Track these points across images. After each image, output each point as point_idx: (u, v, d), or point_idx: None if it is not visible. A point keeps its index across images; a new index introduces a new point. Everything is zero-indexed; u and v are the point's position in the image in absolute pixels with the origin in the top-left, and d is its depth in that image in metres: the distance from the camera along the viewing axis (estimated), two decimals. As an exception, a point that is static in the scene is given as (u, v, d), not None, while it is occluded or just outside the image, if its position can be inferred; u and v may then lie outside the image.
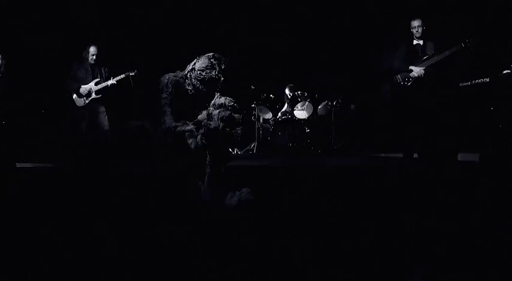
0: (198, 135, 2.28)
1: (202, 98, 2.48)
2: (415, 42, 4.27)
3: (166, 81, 2.48)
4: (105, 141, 4.83)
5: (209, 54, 2.51)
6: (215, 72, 2.46)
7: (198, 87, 2.48)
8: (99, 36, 5.21)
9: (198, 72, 2.46)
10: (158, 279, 1.45)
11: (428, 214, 2.34)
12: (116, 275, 1.49)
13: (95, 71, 4.85)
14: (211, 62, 2.47)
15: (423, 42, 4.24)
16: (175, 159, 2.41)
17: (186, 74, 2.52)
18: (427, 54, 4.16)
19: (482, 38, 4.06)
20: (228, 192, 2.30)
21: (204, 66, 2.46)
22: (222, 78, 2.50)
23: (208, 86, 2.47)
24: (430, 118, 4.15)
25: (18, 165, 4.32)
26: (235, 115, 2.30)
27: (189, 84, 2.50)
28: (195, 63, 2.50)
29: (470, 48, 3.98)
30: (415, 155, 4.30)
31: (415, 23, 4.24)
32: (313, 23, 6.66)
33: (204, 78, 2.45)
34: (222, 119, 2.24)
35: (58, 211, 2.55)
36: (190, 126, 2.35)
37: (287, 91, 6.47)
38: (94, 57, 4.78)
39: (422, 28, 4.21)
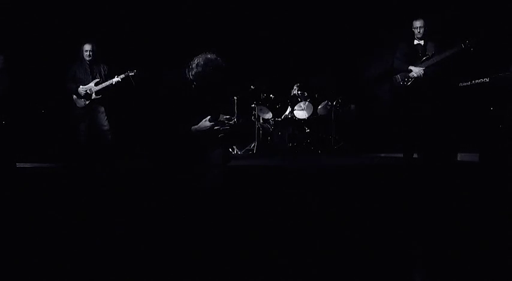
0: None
1: (202, 97, 2.47)
2: (415, 42, 4.27)
3: (166, 81, 2.49)
4: (105, 141, 4.83)
5: (207, 53, 2.51)
6: (214, 71, 2.46)
7: (198, 86, 2.47)
8: (99, 36, 5.20)
9: (198, 71, 2.46)
10: (159, 276, 1.45)
11: (428, 214, 2.34)
12: (117, 274, 1.49)
13: (94, 71, 4.84)
14: (210, 60, 2.47)
15: (424, 42, 4.24)
16: (175, 158, 2.41)
17: (186, 74, 2.52)
18: (428, 55, 4.16)
19: (482, 39, 4.06)
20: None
21: (203, 64, 2.46)
22: (221, 77, 2.50)
23: (208, 85, 2.47)
24: (429, 118, 4.16)
25: (18, 165, 4.31)
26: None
27: (189, 83, 2.50)
28: (194, 63, 2.50)
29: (470, 49, 3.99)
30: (415, 155, 4.30)
31: (417, 23, 4.23)
32: (313, 22, 6.66)
33: (203, 77, 2.45)
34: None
35: (58, 211, 2.55)
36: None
37: (295, 91, 6.43)
38: (88, 53, 4.75)
39: (424, 29, 4.21)
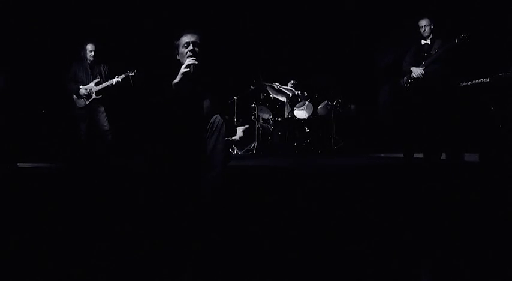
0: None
1: (194, 71, 2.43)
2: (423, 42, 4.25)
3: (162, 74, 2.52)
4: (105, 141, 4.83)
5: (186, 30, 2.52)
6: (194, 44, 2.46)
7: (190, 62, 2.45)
8: (99, 36, 5.20)
9: (182, 48, 2.48)
10: (159, 277, 1.45)
11: (429, 214, 2.34)
12: (117, 274, 1.49)
13: (94, 71, 4.85)
14: (188, 35, 2.48)
15: (431, 41, 4.22)
16: (174, 157, 2.41)
17: (176, 56, 2.54)
18: (432, 54, 4.15)
19: (475, 33, 4.03)
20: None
21: (184, 42, 2.48)
22: (202, 50, 2.49)
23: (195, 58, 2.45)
24: (430, 118, 4.15)
25: (18, 165, 4.31)
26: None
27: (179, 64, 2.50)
28: (176, 42, 2.53)
29: (464, 44, 3.94)
30: (416, 155, 4.30)
31: (422, 22, 4.21)
32: (313, 22, 6.66)
33: (186, 48, 2.47)
34: None
35: (58, 211, 2.55)
36: None
37: (289, 88, 6.41)
38: (92, 53, 4.77)
39: (430, 27, 4.18)
